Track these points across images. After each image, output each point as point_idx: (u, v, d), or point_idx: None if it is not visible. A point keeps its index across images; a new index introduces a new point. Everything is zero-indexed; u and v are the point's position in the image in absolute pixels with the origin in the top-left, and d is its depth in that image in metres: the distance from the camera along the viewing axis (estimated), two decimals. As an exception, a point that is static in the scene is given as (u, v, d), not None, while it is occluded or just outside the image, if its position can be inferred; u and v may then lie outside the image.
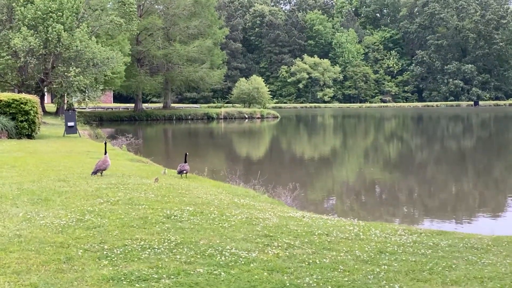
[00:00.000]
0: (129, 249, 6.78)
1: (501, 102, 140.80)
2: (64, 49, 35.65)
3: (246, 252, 6.83)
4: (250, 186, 14.56)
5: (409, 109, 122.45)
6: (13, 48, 35.85)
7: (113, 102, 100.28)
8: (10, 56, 35.99)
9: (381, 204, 17.67)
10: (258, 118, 74.68)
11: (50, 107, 56.17)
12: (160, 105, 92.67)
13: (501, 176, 24.00)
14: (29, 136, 26.09)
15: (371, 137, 48.10)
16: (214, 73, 74.70)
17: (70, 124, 28.98)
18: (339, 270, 6.24)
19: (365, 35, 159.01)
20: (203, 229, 7.89)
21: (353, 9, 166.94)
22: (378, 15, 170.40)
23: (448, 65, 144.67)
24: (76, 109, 54.29)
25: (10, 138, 25.07)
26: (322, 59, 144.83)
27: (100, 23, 44.06)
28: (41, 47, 35.73)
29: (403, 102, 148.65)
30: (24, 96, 26.43)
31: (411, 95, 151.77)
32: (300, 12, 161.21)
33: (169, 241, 7.15)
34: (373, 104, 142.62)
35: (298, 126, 66.49)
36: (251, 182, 15.17)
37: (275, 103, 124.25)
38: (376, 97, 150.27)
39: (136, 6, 53.00)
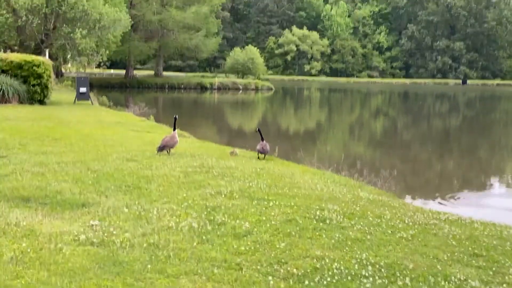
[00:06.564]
0: (333, 278, 4.88)
1: (489, 82, 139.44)
2: (69, 8, 33.10)
3: (484, 285, 5.00)
4: (334, 170, 12.68)
5: (396, 85, 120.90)
6: (13, 6, 33.19)
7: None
8: (10, 14, 33.28)
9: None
10: (253, 89, 72.21)
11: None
12: (147, 72, 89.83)
13: (486, 156, 22.92)
14: (41, 102, 23.88)
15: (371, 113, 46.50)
16: (209, 42, 72.11)
17: (82, 90, 26.64)
18: None
19: (354, 8, 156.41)
20: (387, 243, 6.00)
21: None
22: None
23: (438, 42, 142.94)
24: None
25: (21, 103, 22.86)
26: (310, 31, 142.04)
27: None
28: (44, 5, 33.11)
29: (391, 78, 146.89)
30: (37, 57, 24.11)
31: (399, 71, 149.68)
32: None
33: (370, 263, 5.27)
34: (360, 79, 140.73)
35: (297, 99, 64.28)
36: (333, 166, 13.28)
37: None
38: (364, 72, 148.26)
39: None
